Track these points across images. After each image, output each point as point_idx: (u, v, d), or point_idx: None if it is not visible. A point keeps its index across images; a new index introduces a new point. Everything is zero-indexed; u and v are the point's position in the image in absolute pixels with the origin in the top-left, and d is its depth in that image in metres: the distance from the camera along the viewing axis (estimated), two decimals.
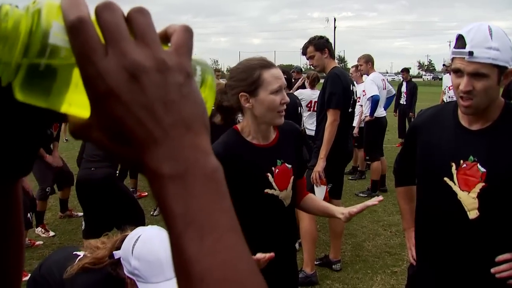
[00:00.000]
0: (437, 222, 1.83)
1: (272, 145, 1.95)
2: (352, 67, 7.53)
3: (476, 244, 1.72)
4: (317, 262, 4.23)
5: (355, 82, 6.49)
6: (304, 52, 4.17)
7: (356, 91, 4.39)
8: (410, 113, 10.38)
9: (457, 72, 1.65)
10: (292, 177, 1.96)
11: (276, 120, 1.86)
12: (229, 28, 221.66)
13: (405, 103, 10.64)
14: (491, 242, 1.70)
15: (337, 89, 3.91)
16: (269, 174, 1.89)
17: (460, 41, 1.63)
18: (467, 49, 1.59)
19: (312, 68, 4.49)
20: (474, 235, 1.71)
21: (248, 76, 1.82)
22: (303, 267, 3.93)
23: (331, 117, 3.86)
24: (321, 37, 4.13)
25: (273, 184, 1.90)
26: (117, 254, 1.59)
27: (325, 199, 3.82)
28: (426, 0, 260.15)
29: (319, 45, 4.03)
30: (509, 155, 1.65)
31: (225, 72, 14.56)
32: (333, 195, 4.07)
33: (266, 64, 1.85)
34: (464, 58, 1.60)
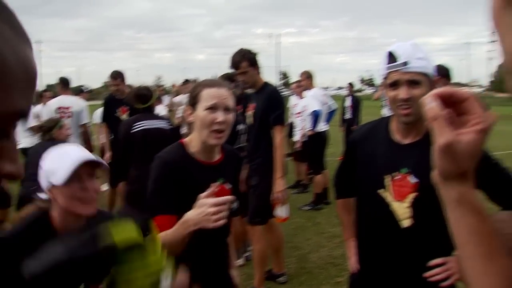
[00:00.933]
0: (374, 232, 1.93)
1: (215, 164, 1.97)
2: (294, 83, 7.73)
3: (410, 250, 1.82)
4: None
5: (296, 97, 6.60)
6: (235, 67, 3.86)
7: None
8: (354, 127, 10.64)
9: (394, 85, 1.78)
10: (228, 197, 1.92)
11: (209, 140, 1.87)
12: (173, 43, 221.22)
13: (350, 117, 10.81)
14: (423, 248, 1.81)
15: (283, 105, 3.89)
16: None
17: (391, 57, 1.77)
18: (401, 61, 1.74)
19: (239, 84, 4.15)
20: (408, 242, 1.82)
21: (192, 91, 1.93)
22: (254, 284, 3.96)
23: (281, 134, 3.77)
24: (251, 51, 3.92)
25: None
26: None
27: (287, 218, 3.95)
28: (366, 17, 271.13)
29: (253, 60, 3.84)
30: None
31: (170, 88, 14.40)
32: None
33: (210, 84, 1.92)
34: (399, 70, 1.75)
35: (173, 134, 4.06)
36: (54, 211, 1.65)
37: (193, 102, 1.90)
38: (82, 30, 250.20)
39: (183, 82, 9.16)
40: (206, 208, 1.62)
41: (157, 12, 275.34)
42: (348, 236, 2.22)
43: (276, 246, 4.25)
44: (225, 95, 1.89)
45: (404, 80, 1.75)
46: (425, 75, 1.75)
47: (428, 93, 1.82)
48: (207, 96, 1.87)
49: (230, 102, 1.90)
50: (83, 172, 1.60)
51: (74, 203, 1.60)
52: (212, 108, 1.85)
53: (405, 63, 1.74)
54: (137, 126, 3.82)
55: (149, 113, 3.99)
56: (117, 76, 5.91)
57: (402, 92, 1.75)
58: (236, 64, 3.82)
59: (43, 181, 1.62)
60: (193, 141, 1.94)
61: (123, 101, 5.76)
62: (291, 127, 8.38)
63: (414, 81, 1.74)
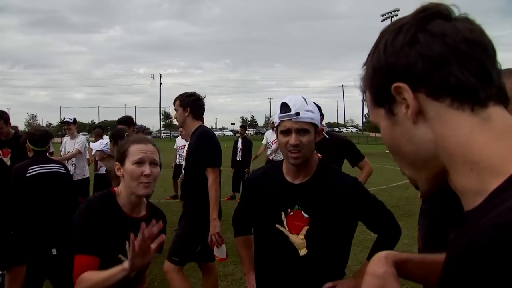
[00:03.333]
0: (274, 261, 2.15)
1: (139, 219, 2.05)
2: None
3: (306, 275, 2.07)
4: None
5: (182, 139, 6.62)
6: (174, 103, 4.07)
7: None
8: (246, 169, 10.54)
9: (286, 132, 2.05)
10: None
11: (138, 190, 2.00)
12: (50, 81, 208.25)
13: (240, 159, 10.81)
14: (317, 273, 2.07)
15: (214, 146, 3.86)
16: (127, 243, 1.89)
17: (285, 107, 2.05)
18: (293, 111, 2.01)
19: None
20: (304, 268, 2.07)
21: (121, 148, 2.08)
22: None
23: (213, 174, 3.73)
24: (191, 95, 4.01)
25: (123, 257, 1.98)
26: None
27: (227, 257, 4.01)
28: (248, 60, 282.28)
29: (183, 102, 3.95)
30: (325, 202, 2.07)
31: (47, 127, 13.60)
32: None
33: (137, 141, 2.10)
34: (291, 119, 2.02)
35: (69, 178, 3.94)
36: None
37: (121, 158, 2.04)
38: None
39: (62, 122, 8.79)
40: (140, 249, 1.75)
41: (34, 47, 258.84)
42: (248, 270, 2.42)
43: None
44: (151, 150, 2.05)
45: (295, 128, 2.03)
46: (313, 124, 2.04)
47: (313, 140, 2.10)
48: (135, 152, 2.03)
49: (156, 156, 2.07)
50: None
51: None
52: (139, 163, 2.00)
53: (297, 114, 2.01)
54: (32, 170, 3.64)
55: (44, 157, 3.83)
56: (0, 117, 5.56)
57: (292, 139, 2.03)
58: (173, 102, 4.03)
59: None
60: (121, 194, 2.07)
61: (6, 143, 5.50)
62: (177, 168, 8.36)
63: (303, 130, 2.03)
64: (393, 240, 2.15)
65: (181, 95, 4.03)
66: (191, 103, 3.94)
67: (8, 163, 5.42)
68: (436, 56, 0.71)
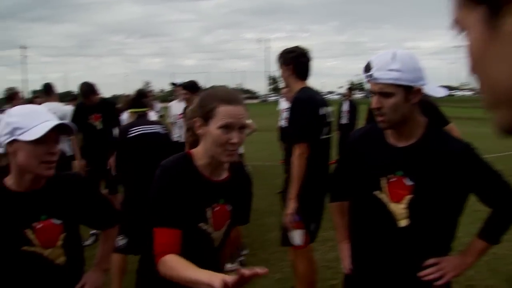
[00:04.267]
0: (370, 232, 1.98)
1: (220, 182, 1.88)
2: (284, 87, 7.73)
3: (405, 250, 1.88)
4: None
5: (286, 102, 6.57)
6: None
7: (330, 113, 3.62)
8: (351, 132, 10.15)
9: (372, 92, 1.86)
10: (229, 221, 1.92)
11: (221, 157, 1.77)
12: (162, 49, 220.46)
13: (345, 122, 10.46)
14: (418, 247, 1.87)
15: (301, 118, 3.34)
16: (208, 209, 1.84)
17: (367, 67, 1.84)
18: (373, 72, 1.81)
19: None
20: (405, 242, 1.88)
21: (207, 103, 1.77)
22: None
23: (297, 150, 3.29)
24: (293, 50, 3.52)
25: (209, 220, 1.84)
26: None
27: (304, 245, 3.46)
28: (356, 22, 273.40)
29: (285, 58, 3.49)
30: (432, 169, 1.83)
31: (158, 94, 14.39)
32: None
33: (228, 99, 1.76)
34: (371, 80, 1.83)
35: (168, 139, 4.07)
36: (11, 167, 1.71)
37: (205, 116, 1.76)
38: (70, 36, 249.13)
39: (171, 85, 9.10)
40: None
41: (146, 17, 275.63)
42: (342, 239, 2.26)
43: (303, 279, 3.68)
44: (241, 113, 1.77)
45: (375, 90, 1.82)
46: (398, 86, 1.78)
47: (401, 103, 1.83)
48: (224, 114, 1.73)
49: (245, 119, 1.80)
50: (50, 135, 1.65)
51: (36, 164, 1.67)
52: (227, 128, 1.73)
53: (373, 75, 1.81)
54: (135, 131, 3.80)
55: (145, 118, 3.97)
56: (88, 89, 5.83)
57: (374, 102, 1.84)
58: (277, 60, 3.59)
59: (4, 135, 1.66)
60: (200, 154, 1.84)
61: (95, 108, 5.78)
62: (281, 130, 8.35)
63: (383, 93, 1.80)
64: (510, 217, 1.87)
65: (283, 51, 3.57)
66: (293, 60, 3.46)
67: (99, 127, 5.80)
68: None
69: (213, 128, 1.74)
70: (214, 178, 1.86)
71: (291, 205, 3.31)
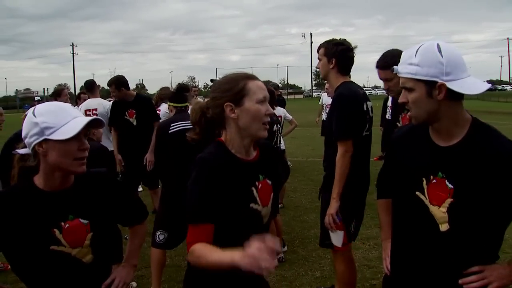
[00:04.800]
0: (410, 234, 1.88)
1: (254, 160, 1.91)
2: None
3: (446, 255, 1.77)
4: None
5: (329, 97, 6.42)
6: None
7: (371, 108, 3.54)
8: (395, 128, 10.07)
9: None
10: (272, 194, 1.95)
11: (260, 132, 1.81)
12: (207, 45, 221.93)
13: (390, 117, 10.36)
14: (460, 253, 1.75)
15: (345, 114, 3.20)
16: (253, 188, 1.85)
17: (399, 60, 1.79)
18: (399, 65, 1.76)
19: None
20: (445, 246, 1.76)
21: (233, 86, 1.80)
22: None
23: (342, 148, 3.17)
24: (340, 43, 3.33)
25: (257, 199, 1.86)
26: (20, 150, 1.73)
27: (344, 248, 3.34)
28: (402, 15, 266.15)
29: (329, 51, 3.32)
30: (475, 173, 1.69)
31: (202, 89, 14.60)
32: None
33: (250, 76, 1.86)
34: (398, 74, 1.78)
35: None
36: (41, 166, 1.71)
37: (238, 97, 1.78)
38: (117, 33, 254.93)
39: (212, 82, 9.17)
40: (259, 254, 1.41)
41: (191, 13, 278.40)
42: (386, 237, 2.19)
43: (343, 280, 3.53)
44: (264, 86, 1.86)
45: (401, 85, 1.77)
46: (420, 80, 1.69)
47: (423, 99, 1.69)
48: (256, 89, 1.80)
49: None
50: (81, 132, 1.65)
51: (70, 161, 1.67)
52: (263, 101, 1.80)
53: (397, 69, 1.77)
54: (175, 127, 3.83)
55: (185, 113, 3.95)
56: (112, 83, 5.88)
57: (401, 96, 1.79)
58: (317, 50, 3.44)
59: (32, 135, 1.65)
60: (230, 140, 1.86)
61: (130, 104, 5.82)
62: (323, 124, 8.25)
63: (405, 87, 1.75)
64: None
65: (327, 42, 3.36)
66: (339, 54, 3.28)
67: (134, 123, 5.83)
68: None
69: (251, 104, 1.79)
70: (249, 158, 1.90)
71: (334, 205, 3.18)
